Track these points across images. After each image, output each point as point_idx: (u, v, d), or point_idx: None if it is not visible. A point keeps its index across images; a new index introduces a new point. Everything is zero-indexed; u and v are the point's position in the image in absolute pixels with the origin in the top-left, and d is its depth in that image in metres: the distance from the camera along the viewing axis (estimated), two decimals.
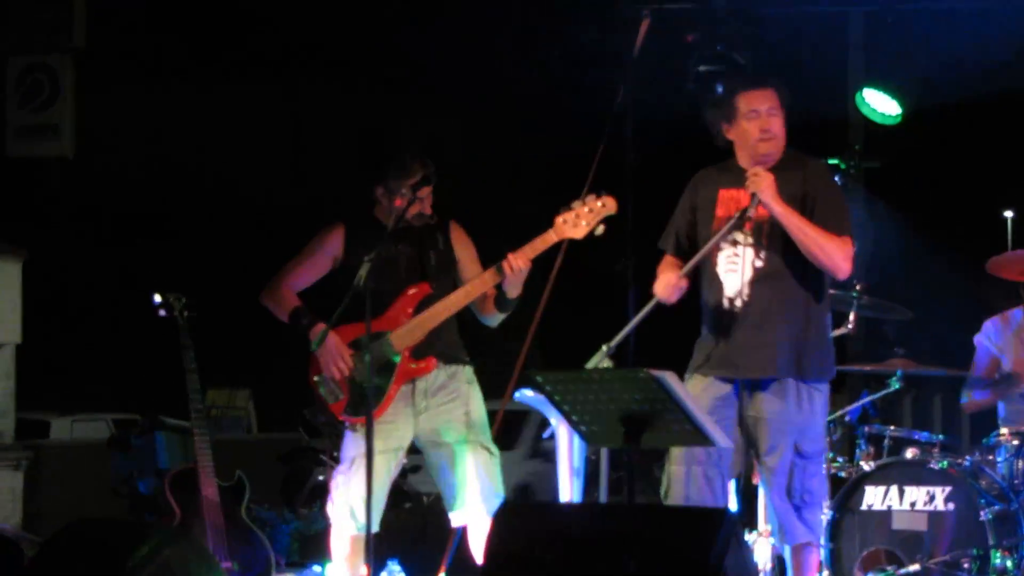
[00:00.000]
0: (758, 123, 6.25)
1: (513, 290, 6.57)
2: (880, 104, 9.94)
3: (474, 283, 6.61)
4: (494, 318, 6.75)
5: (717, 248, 6.25)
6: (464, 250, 6.81)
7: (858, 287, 7.68)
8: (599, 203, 6.54)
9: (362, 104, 16.97)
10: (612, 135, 7.74)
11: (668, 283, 6.23)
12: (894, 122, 9.99)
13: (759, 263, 6.20)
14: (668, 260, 6.47)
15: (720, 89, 6.64)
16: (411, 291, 6.63)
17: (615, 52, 8.06)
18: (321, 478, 10.55)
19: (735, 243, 6.23)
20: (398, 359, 6.57)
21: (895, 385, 7.81)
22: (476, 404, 6.73)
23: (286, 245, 7.16)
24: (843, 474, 7.48)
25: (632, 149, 7.74)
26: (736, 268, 6.22)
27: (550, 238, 6.54)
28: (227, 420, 18.44)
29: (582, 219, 6.52)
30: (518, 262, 6.47)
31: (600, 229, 6.54)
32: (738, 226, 6.17)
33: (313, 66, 16.84)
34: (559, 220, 6.52)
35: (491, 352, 7.81)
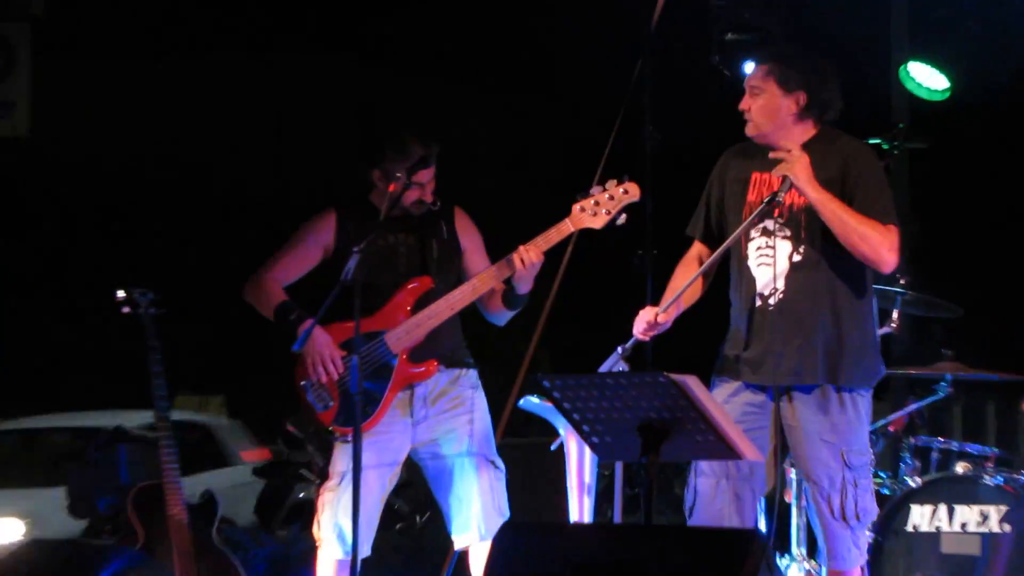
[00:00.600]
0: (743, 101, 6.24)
1: (524, 285, 6.54)
2: (927, 78, 9.90)
3: (481, 278, 6.56)
4: (502, 316, 6.70)
5: (747, 238, 6.18)
6: (469, 240, 6.76)
7: (902, 281, 7.64)
8: (621, 190, 6.50)
9: (353, 80, 16.94)
10: (630, 113, 7.71)
11: (647, 323, 6.15)
12: (942, 98, 9.94)
13: (796, 256, 6.11)
14: (697, 248, 6.40)
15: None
16: (411, 285, 6.57)
17: (633, 21, 8.02)
18: (302, 495, 10.53)
19: (768, 233, 6.15)
20: (395, 362, 6.53)
21: (944, 391, 7.79)
22: (481, 413, 6.69)
23: (267, 235, 7.13)
24: (886, 491, 7.46)
25: (651, 128, 7.69)
26: (769, 261, 6.13)
27: (566, 228, 6.49)
28: None
29: (602, 207, 6.47)
30: (530, 255, 6.43)
31: (622, 219, 6.50)
32: (766, 213, 6.09)
33: (297, 37, 16.81)
34: (576, 208, 6.47)
35: (494, 353, 7.79)
